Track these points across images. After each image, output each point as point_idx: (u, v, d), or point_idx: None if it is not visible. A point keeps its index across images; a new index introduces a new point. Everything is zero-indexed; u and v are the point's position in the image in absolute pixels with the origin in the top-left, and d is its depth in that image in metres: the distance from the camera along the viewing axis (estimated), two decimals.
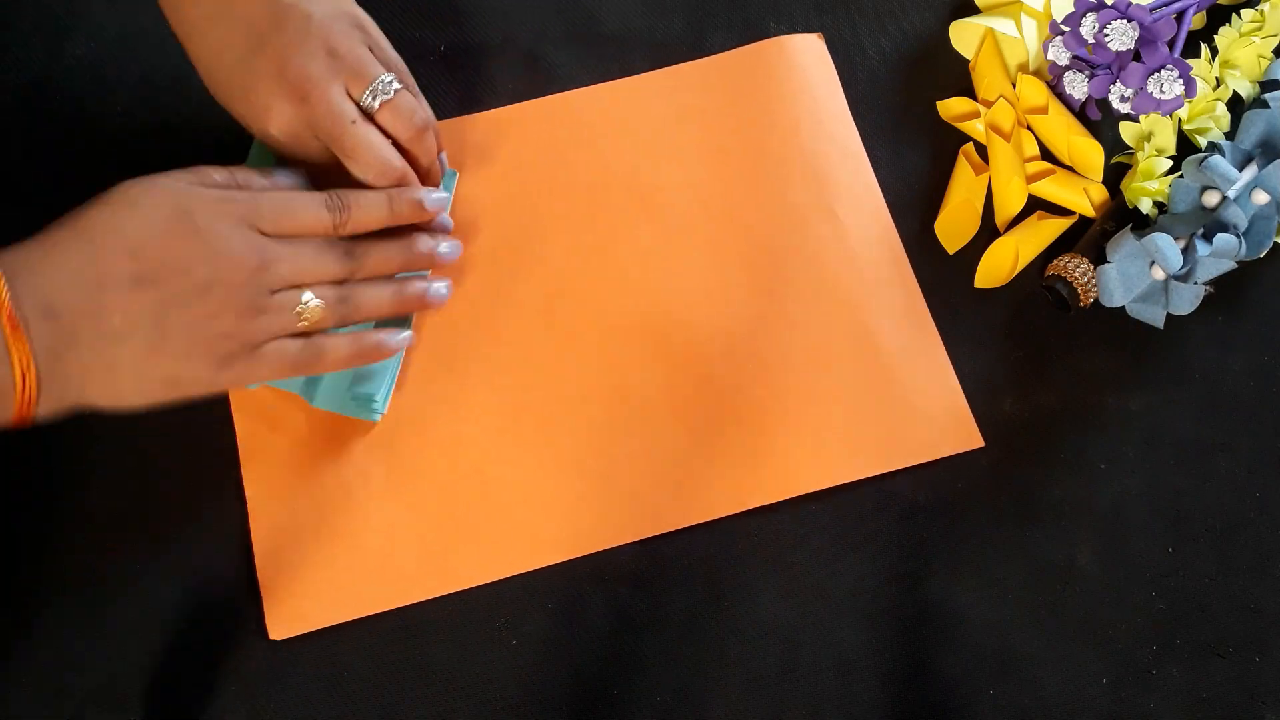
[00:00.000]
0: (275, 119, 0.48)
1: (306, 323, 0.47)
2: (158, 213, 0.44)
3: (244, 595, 0.50)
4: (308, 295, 0.47)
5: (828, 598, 0.53)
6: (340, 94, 0.49)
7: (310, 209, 0.48)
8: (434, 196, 0.52)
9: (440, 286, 0.53)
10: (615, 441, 0.54)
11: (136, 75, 0.60)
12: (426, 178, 0.53)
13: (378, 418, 0.53)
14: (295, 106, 0.48)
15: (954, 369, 0.57)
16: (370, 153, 0.50)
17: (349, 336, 0.49)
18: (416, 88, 0.53)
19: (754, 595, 0.52)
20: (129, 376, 0.44)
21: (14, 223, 0.56)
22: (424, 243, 0.52)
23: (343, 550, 0.51)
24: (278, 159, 0.52)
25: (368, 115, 0.50)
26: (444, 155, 0.56)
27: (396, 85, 0.50)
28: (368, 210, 0.50)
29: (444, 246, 0.53)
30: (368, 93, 0.50)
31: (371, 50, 0.51)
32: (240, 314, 0.45)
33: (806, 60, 0.62)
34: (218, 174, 0.48)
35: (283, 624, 0.50)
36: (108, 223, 0.44)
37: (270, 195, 0.48)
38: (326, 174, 0.51)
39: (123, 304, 0.43)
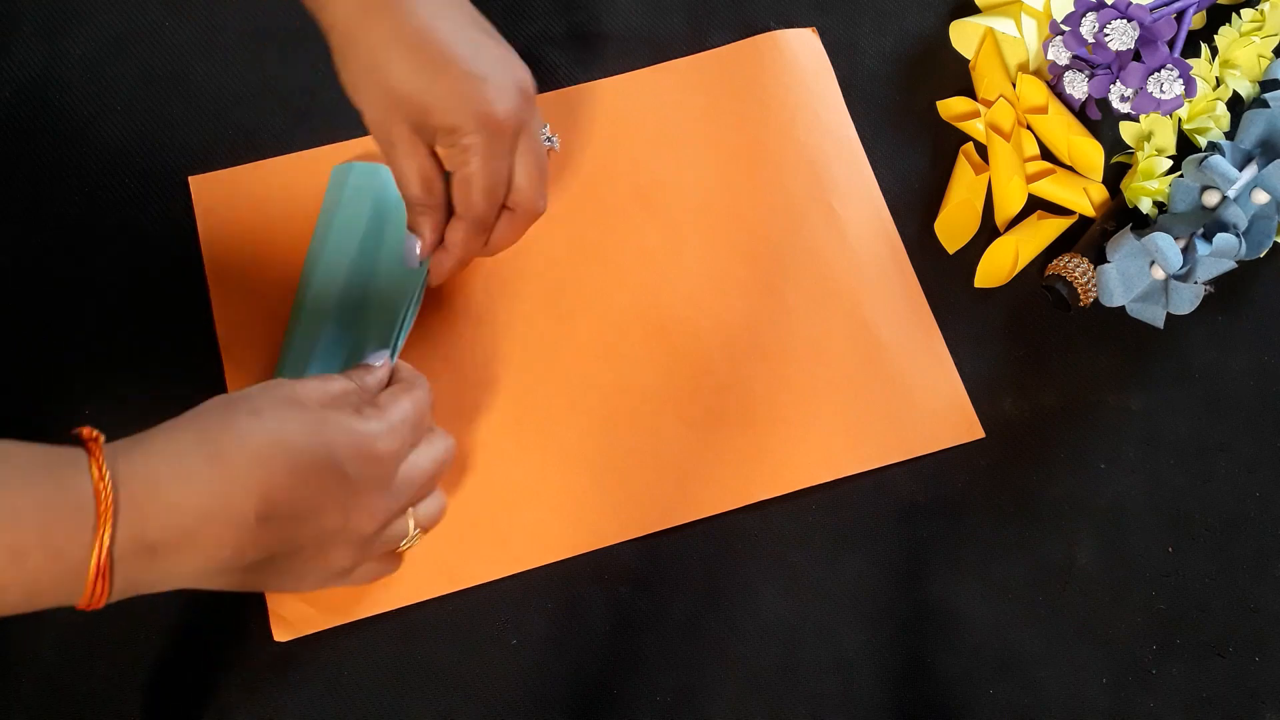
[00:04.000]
0: (476, 89, 0.46)
1: (404, 548, 0.47)
2: (301, 447, 0.40)
3: (244, 597, 0.50)
4: (413, 527, 0.46)
5: (828, 597, 0.53)
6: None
7: (443, 452, 0.47)
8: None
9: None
10: (616, 437, 0.54)
11: (136, 75, 0.60)
12: (488, 248, 0.52)
13: None
14: (521, 99, 0.47)
15: (954, 367, 0.57)
16: (502, 191, 0.49)
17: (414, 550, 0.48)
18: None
19: (754, 595, 0.52)
20: (215, 586, 0.41)
21: (14, 222, 0.56)
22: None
23: None
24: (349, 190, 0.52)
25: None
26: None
27: (555, 143, 0.52)
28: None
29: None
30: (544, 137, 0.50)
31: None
32: (355, 556, 0.44)
33: (801, 54, 0.62)
34: (333, 384, 0.45)
35: (286, 626, 0.50)
36: (244, 448, 0.39)
37: (403, 414, 0.45)
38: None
39: (239, 542, 0.39)
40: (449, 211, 0.50)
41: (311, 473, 0.41)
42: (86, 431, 0.38)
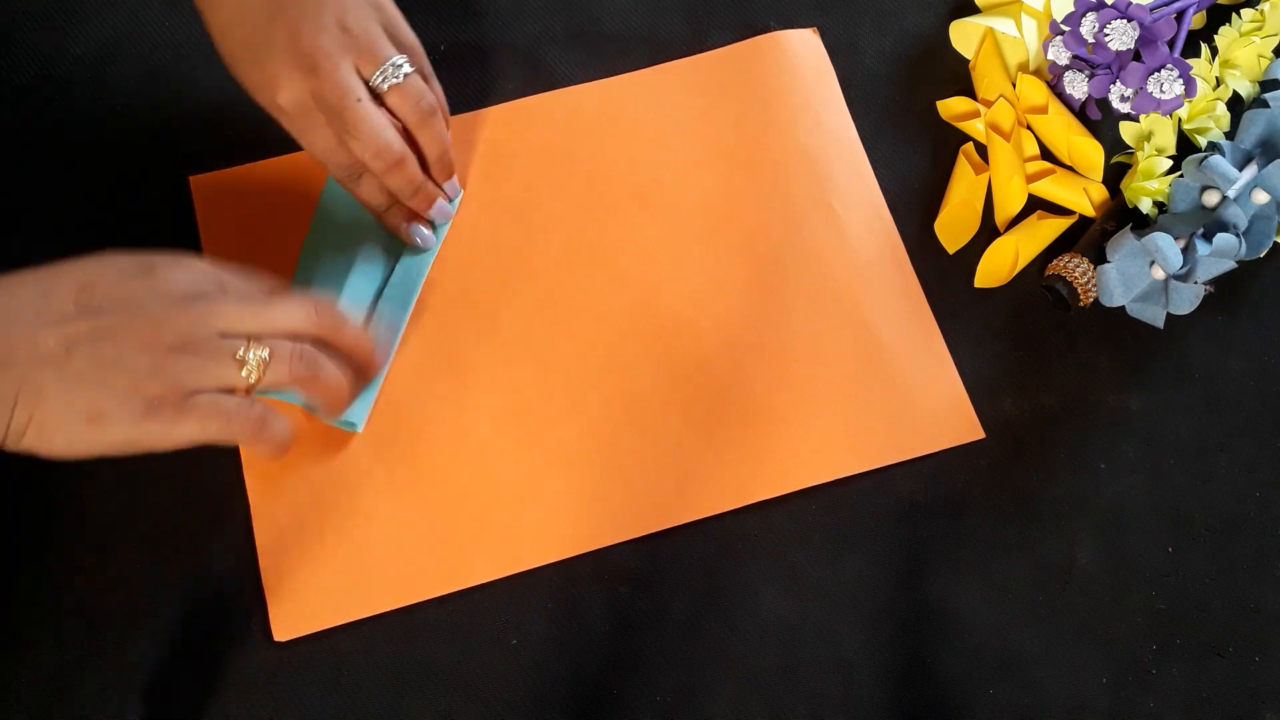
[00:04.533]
0: (284, 89, 0.48)
1: (249, 373, 0.43)
2: (120, 258, 0.43)
3: (244, 596, 0.50)
4: (256, 346, 0.43)
5: (828, 597, 0.53)
6: (349, 70, 0.49)
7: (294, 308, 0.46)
8: (353, 332, 0.49)
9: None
10: (616, 437, 0.54)
11: (136, 75, 0.60)
12: (435, 167, 0.54)
13: (359, 430, 0.53)
14: (303, 77, 0.48)
15: (954, 367, 0.57)
16: (372, 133, 0.49)
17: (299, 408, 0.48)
18: (431, 73, 0.53)
19: (754, 595, 0.52)
20: (55, 404, 0.40)
21: (14, 223, 0.56)
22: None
23: (346, 551, 0.51)
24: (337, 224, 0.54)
25: (377, 97, 0.50)
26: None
27: (408, 69, 0.50)
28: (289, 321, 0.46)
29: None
30: (378, 74, 0.50)
31: (388, 31, 0.51)
32: (172, 350, 0.42)
33: (802, 55, 0.62)
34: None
35: (287, 625, 0.50)
36: (69, 265, 0.43)
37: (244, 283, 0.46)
38: (334, 155, 0.51)
39: (60, 331, 0.41)
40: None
41: (124, 268, 0.43)
42: None
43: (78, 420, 0.41)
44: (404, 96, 0.50)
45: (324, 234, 0.56)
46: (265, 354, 0.43)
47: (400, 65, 0.50)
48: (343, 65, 0.49)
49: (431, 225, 0.56)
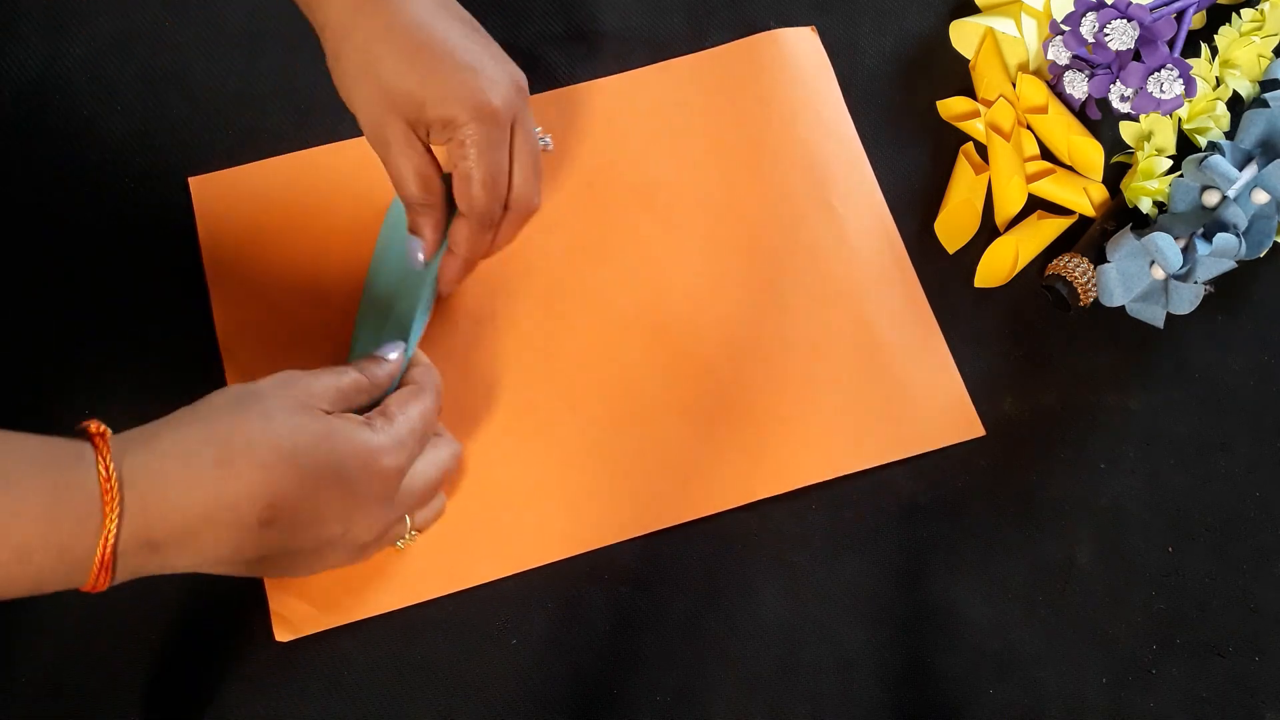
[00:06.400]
0: (496, 92, 0.47)
1: (402, 546, 0.49)
2: (308, 453, 0.41)
3: (245, 596, 0.50)
4: (410, 530, 0.48)
5: (828, 597, 0.53)
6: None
7: (447, 459, 0.49)
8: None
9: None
10: (616, 436, 0.54)
11: (136, 75, 0.60)
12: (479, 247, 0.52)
13: None
14: (517, 93, 0.48)
15: (954, 364, 0.57)
16: (504, 183, 0.49)
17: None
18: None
19: (754, 595, 0.52)
20: (211, 572, 0.41)
21: (13, 223, 0.56)
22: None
23: None
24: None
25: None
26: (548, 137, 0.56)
27: (548, 142, 0.53)
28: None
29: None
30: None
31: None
32: (351, 558, 0.45)
33: (801, 53, 0.62)
34: (344, 379, 0.45)
35: (288, 626, 0.50)
36: (251, 451, 0.39)
37: (410, 426, 0.46)
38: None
39: (239, 542, 0.40)
40: (450, 211, 0.50)
41: (317, 483, 0.41)
42: (93, 426, 0.38)
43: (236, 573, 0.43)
44: (512, 225, 0.51)
45: (386, 266, 0.55)
46: (415, 534, 0.48)
47: (545, 136, 0.52)
48: (528, 103, 0.49)
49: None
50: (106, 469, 0.37)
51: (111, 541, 0.37)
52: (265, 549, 0.41)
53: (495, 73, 0.47)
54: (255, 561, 0.42)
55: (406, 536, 0.48)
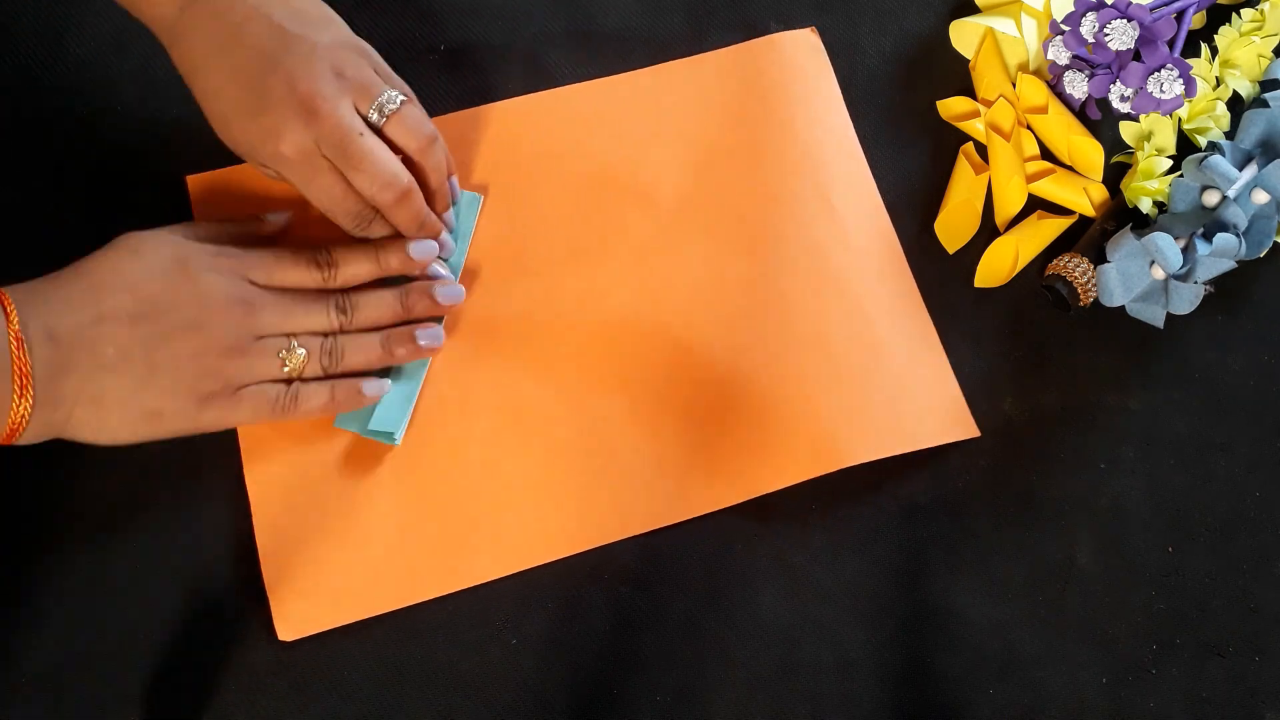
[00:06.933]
0: (286, 137, 0.48)
1: (290, 369, 0.50)
2: (156, 258, 0.47)
3: (245, 596, 0.50)
4: (294, 344, 0.50)
5: (828, 597, 0.53)
6: (348, 108, 0.49)
7: (298, 263, 0.51)
8: (420, 247, 0.53)
9: (433, 332, 0.53)
10: (616, 435, 0.54)
11: (136, 75, 0.60)
12: (435, 197, 0.54)
13: (397, 443, 0.53)
14: (305, 123, 0.48)
15: (954, 368, 0.57)
16: (376, 165, 0.50)
17: (325, 384, 0.51)
18: (421, 108, 0.53)
19: (754, 595, 0.52)
20: (115, 406, 0.46)
21: (13, 223, 0.56)
22: (417, 296, 0.53)
23: (348, 550, 0.51)
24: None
25: (376, 130, 0.50)
26: (454, 180, 0.56)
27: (402, 98, 0.51)
28: (354, 264, 0.52)
29: (441, 295, 0.53)
30: (373, 107, 0.50)
31: (379, 74, 0.52)
32: (223, 353, 0.47)
33: (801, 55, 0.62)
34: (213, 228, 0.52)
35: (291, 626, 0.50)
36: (110, 265, 0.47)
37: (260, 251, 0.51)
38: (341, 202, 0.51)
39: (116, 336, 0.45)
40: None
41: (163, 270, 0.47)
42: None
43: (137, 418, 0.46)
44: (404, 124, 0.51)
45: None
46: (302, 353, 0.50)
47: (395, 96, 0.51)
48: (341, 105, 0.49)
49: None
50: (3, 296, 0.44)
51: (17, 326, 0.43)
52: (140, 337, 0.46)
53: (279, 113, 0.48)
54: (143, 360, 0.45)
55: (291, 351, 0.50)
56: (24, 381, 0.43)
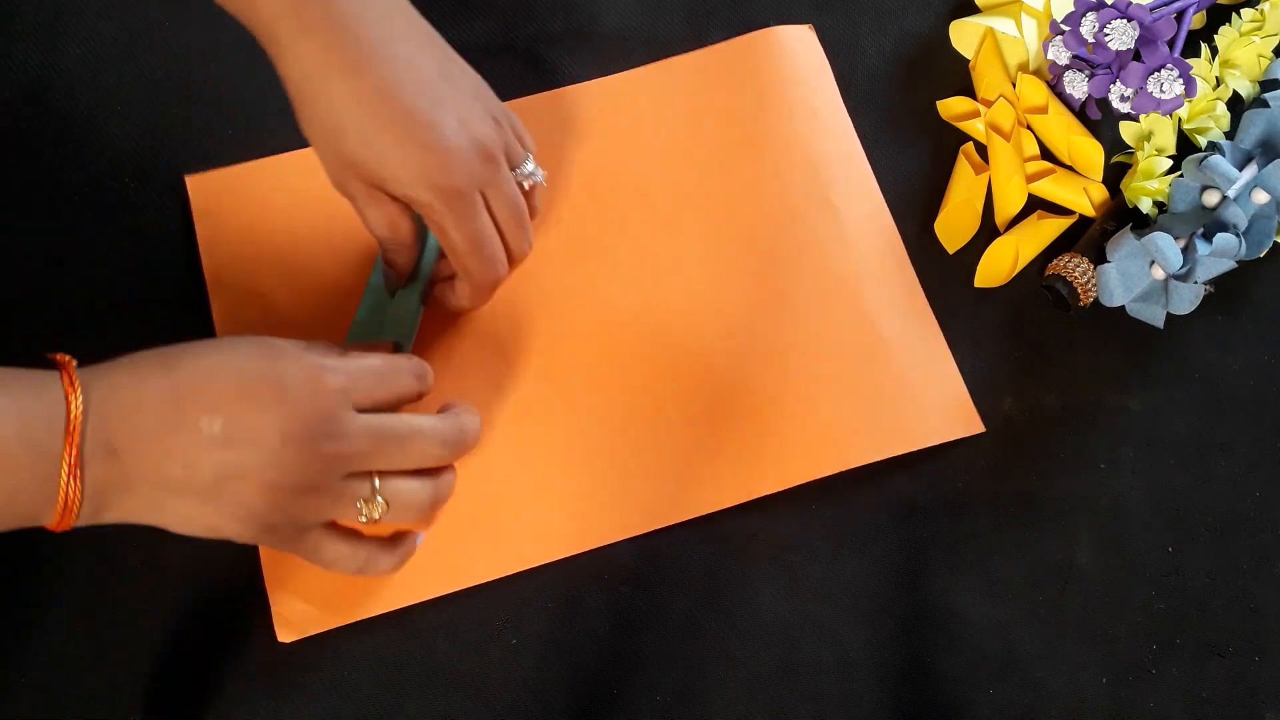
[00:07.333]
0: (458, 172, 0.46)
1: (365, 519, 0.44)
2: (251, 368, 0.42)
3: (245, 596, 0.50)
4: (378, 497, 0.44)
5: (828, 597, 0.53)
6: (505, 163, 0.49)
7: (404, 377, 0.46)
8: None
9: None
10: (617, 435, 0.54)
11: (136, 75, 0.60)
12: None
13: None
14: (482, 165, 0.47)
15: (953, 360, 0.57)
16: (492, 246, 0.49)
17: (394, 554, 0.47)
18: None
19: (754, 595, 0.52)
20: (173, 520, 0.42)
21: (13, 223, 0.56)
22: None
23: None
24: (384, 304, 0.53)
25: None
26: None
27: (540, 176, 0.52)
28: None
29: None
30: (517, 173, 0.51)
31: (514, 130, 0.52)
32: (295, 491, 0.42)
33: (798, 50, 0.62)
34: (323, 346, 0.46)
35: (290, 627, 0.50)
36: (198, 365, 0.41)
37: (367, 363, 0.45)
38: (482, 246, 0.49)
39: (188, 456, 0.40)
40: (423, 243, 0.51)
41: (255, 386, 0.41)
42: (60, 356, 0.41)
43: (195, 529, 0.42)
44: (533, 199, 0.52)
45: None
46: (384, 506, 0.44)
47: (538, 170, 0.51)
48: (504, 163, 0.49)
49: None
50: (71, 380, 0.39)
51: (78, 440, 0.38)
52: (212, 467, 0.40)
53: (459, 144, 0.46)
54: (207, 492, 0.41)
55: (372, 503, 0.44)
56: (73, 499, 0.39)
